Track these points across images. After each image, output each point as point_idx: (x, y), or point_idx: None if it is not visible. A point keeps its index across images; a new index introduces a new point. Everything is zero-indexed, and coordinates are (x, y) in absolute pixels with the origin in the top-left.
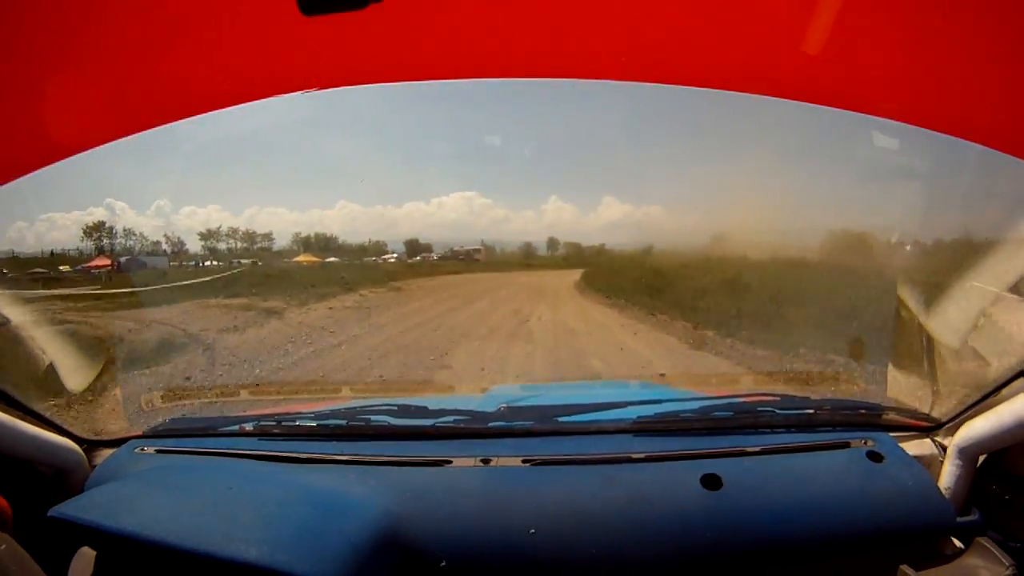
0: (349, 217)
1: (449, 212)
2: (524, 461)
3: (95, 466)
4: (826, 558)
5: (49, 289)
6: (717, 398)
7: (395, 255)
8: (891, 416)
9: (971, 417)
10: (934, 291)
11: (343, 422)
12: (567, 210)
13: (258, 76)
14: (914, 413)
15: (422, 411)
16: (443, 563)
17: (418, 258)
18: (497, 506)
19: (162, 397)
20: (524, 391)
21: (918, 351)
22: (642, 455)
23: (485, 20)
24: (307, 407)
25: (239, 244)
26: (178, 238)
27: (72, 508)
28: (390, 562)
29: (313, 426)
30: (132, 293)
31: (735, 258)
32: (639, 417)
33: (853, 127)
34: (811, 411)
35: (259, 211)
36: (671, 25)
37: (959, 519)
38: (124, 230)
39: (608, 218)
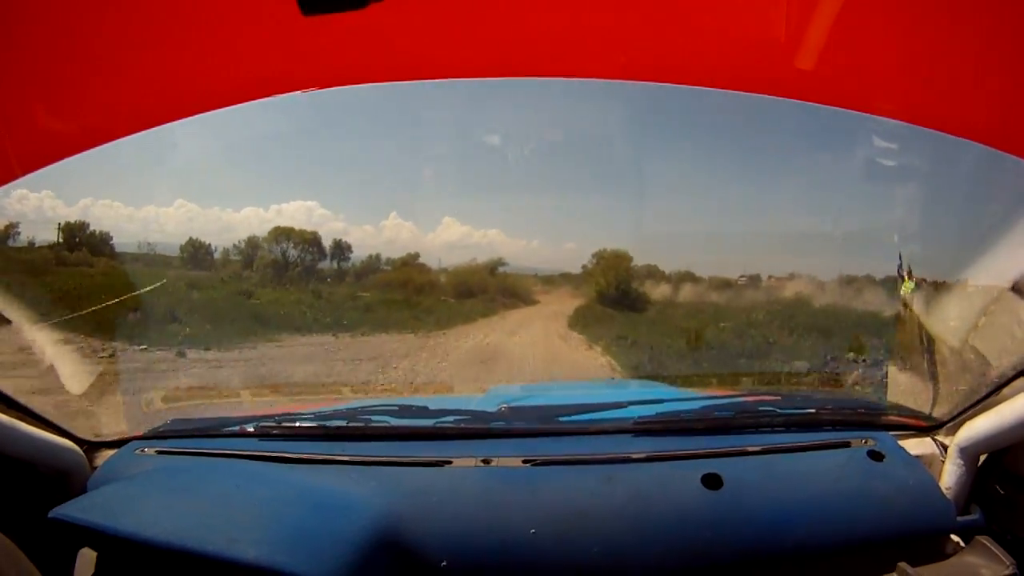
0: (186, 217)
1: (287, 220)
2: (524, 461)
3: (96, 467)
4: (827, 557)
5: None
6: (718, 398)
7: None
8: (892, 416)
9: (972, 416)
10: (934, 290)
11: (343, 422)
12: (406, 228)
13: (258, 76)
14: (915, 413)
15: (422, 411)
16: (443, 563)
17: None
18: (497, 506)
19: (163, 398)
20: (524, 391)
21: (918, 351)
22: (642, 455)
23: (487, 21)
24: (307, 408)
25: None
26: None
27: (73, 509)
28: (390, 562)
29: (313, 427)
30: None
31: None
32: (639, 417)
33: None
34: (812, 411)
35: (93, 203)
36: (668, 25)
37: (960, 518)
38: None
39: (447, 238)
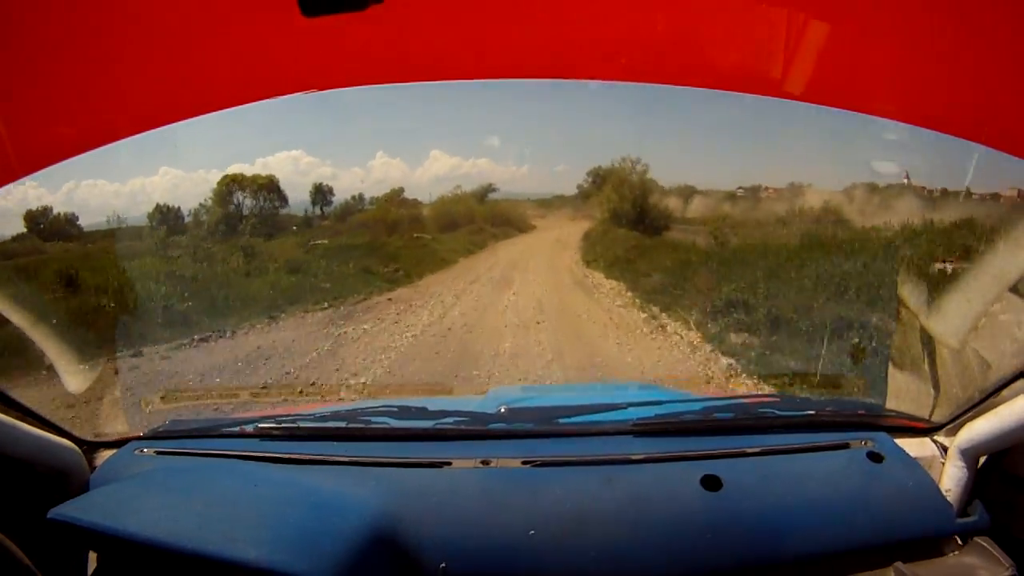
0: (171, 184)
1: (274, 172)
2: (524, 462)
3: (95, 468)
4: (826, 559)
5: None
6: (717, 399)
7: None
8: (891, 417)
9: (972, 418)
10: (934, 291)
11: (343, 423)
12: (394, 165)
13: (259, 77)
14: (914, 415)
15: (422, 412)
16: (443, 564)
17: None
18: (497, 507)
19: (162, 398)
20: (524, 392)
21: (918, 352)
22: (642, 456)
23: (486, 21)
24: (307, 408)
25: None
26: None
27: (72, 509)
28: (390, 563)
29: (313, 427)
30: None
31: None
32: (639, 418)
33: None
34: (811, 412)
35: (76, 185)
36: (670, 25)
37: (959, 520)
38: None
39: (436, 172)
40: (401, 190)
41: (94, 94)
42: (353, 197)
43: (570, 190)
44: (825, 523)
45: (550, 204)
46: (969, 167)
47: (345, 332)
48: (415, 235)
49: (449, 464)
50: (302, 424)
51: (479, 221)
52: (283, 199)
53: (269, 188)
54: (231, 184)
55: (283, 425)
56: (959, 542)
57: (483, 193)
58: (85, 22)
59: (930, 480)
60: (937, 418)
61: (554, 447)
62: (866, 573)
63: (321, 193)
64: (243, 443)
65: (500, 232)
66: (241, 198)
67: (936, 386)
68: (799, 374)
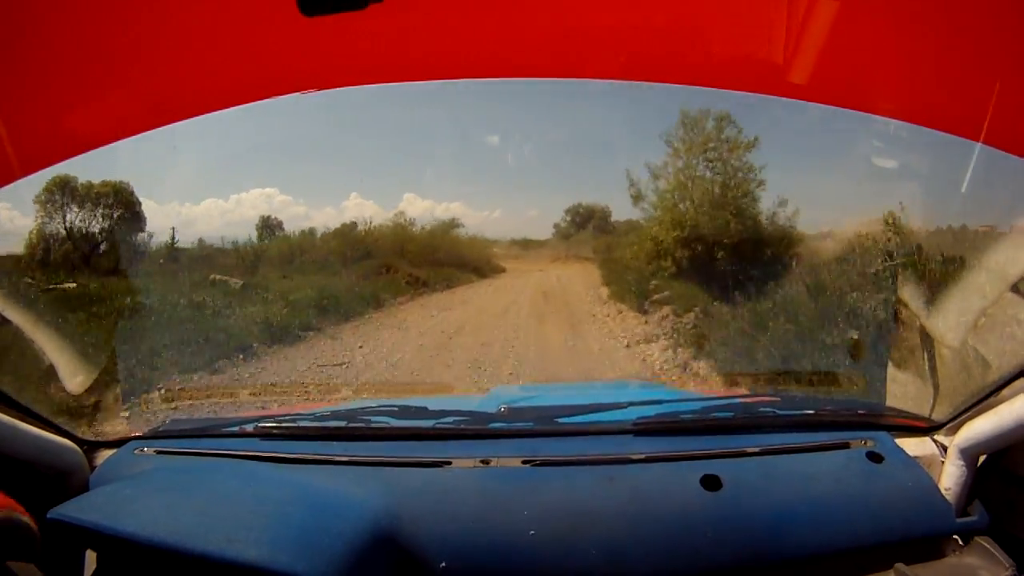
0: (146, 214)
1: (248, 209)
2: (524, 462)
3: (95, 467)
4: (825, 559)
5: None
6: (717, 398)
7: None
8: (891, 416)
9: (971, 417)
10: (934, 291)
11: (343, 423)
12: (367, 207)
13: (258, 77)
14: (914, 414)
15: (422, 412)
16: (443, 564)
17: None
18: (497, 507)
19: (162, 398)
20: (524, 392)
21: (918, 351)
22: (642, 456)
23: (485, 21)
24: (307, 408)
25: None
26: None
27: (72, 509)
28: (390, 563)
29: (313, 427)
30: None
31: None
32: (639, 418)
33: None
34: (811, 411)
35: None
36: (671, 24)
37: (959, 520)
38: None
39: (410, 215)
40: (354, 224)
41: (91, 94)
42: (303, 231)
43: (544, 234)
44: (825, 523)
45: (527, 244)
46: (968, 165)
47: None
48: (214, 276)
49: (449, 463)
50: (302, 423)
51: (404, 255)
52: (136, 218)
53: (114, 203)
54: (57, 191)
55: (283, 424)
56: (959, 542)
57: (444, 230)
58: (84, 23)
59: (930, 480)
60: (937, 417)
61: (554, 446)
62: (866, 573)
63: (268, 227)
64: (243, 443)
65: (435, 276)
66: (70, 212)
67: (936, 385)
68: (799, 372)
